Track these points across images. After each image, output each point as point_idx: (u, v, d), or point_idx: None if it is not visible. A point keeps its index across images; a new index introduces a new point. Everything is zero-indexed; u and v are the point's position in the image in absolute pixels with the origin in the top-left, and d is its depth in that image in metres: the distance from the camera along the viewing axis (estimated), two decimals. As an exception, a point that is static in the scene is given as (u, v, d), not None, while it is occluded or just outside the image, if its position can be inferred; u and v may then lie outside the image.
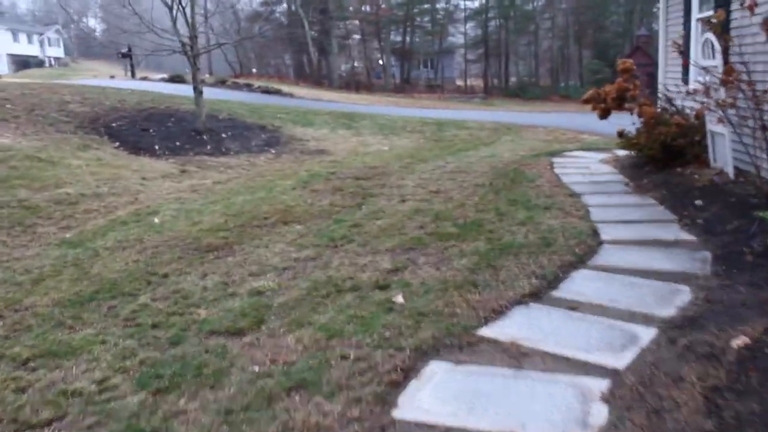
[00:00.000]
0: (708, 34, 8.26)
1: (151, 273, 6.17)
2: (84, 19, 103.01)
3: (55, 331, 4.82)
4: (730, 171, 8.28)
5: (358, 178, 10.65)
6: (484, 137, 16.98)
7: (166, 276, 6.06)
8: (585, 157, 12.62)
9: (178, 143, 14.14)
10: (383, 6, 56.68)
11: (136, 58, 41.76)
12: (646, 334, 4.11)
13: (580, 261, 5.63)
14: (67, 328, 4.87)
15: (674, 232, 6.56)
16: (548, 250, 5.88)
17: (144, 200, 10.07)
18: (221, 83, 33.75)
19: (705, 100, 7.70)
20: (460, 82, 64.23)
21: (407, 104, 34.73)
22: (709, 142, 8.90)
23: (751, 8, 6.84)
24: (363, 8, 58.10)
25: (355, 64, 63.38)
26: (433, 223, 7.27)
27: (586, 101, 9.46)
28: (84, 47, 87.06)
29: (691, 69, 10.47)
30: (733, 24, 8.80)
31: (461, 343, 4.08)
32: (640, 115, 8.74)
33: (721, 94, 7.68)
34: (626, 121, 9.93)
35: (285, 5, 60.16)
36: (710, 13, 9.64)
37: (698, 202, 7.59)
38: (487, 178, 9.95)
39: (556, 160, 12.06)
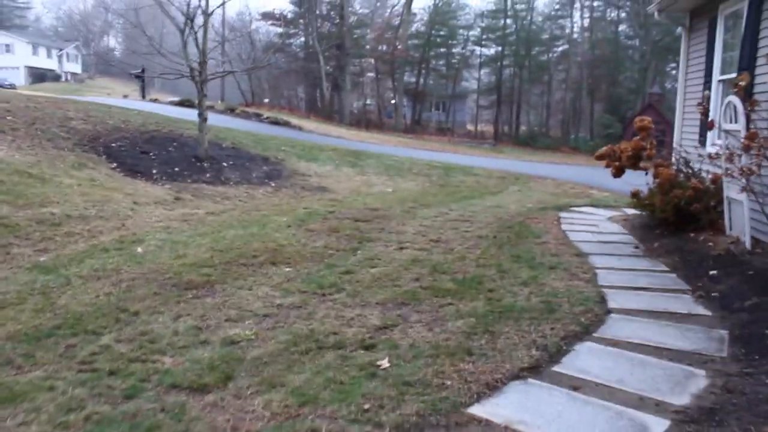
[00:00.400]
0: (731, 96, 7.88)
1: (122, 309, 5.71)
2: (105, 38, 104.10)
3: (1, 371, 4.34)
4: (747, 241, 7.83)
5: (357, 220, 10.22)
6: (491, 186, 16.59)
7: (136, 314, 5.59)
8: (594, 213, 12.20)
9: (177, 169, 13.77)
10: (399, 46, 56.85)
11: (150, 80, 41.74)
12: (659, 427, 3.63)
13: (586, 332, 5.15)
14: (15, 368, 4.40)
15: (688, 304, 6.10)
16: (551, 316, 5.42)
17: (131, 227, 9.64)
18: (230, 111, 33.56)
19: (728, 165, 7.29)
20: (470, 127, 64.23)
21: (416, 146, 34.48)
22: (725, 208, 8.48)
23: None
24: (379, 47, 58.30)
25: (368, 101, 63.49)
26: (430, 275, 6.82)
27: (600, 157, 9.06)
28: (103, 65, 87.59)
29: (709, 132, 10.10)
30: (757, 89, 8.43)
31: (448, 423, 3.61)
32: (655, 176, 8.33)
33: (743, 159, 7.28)
34: (638, 180, 9.53)
35: (302, 38, 60.53)
36: (733, 75, 9.29)
37: (713, 272, 7.13)
38: (491, 230, 9.51)
39: (563, 215, 11.64)
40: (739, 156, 7.00)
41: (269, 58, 19.53)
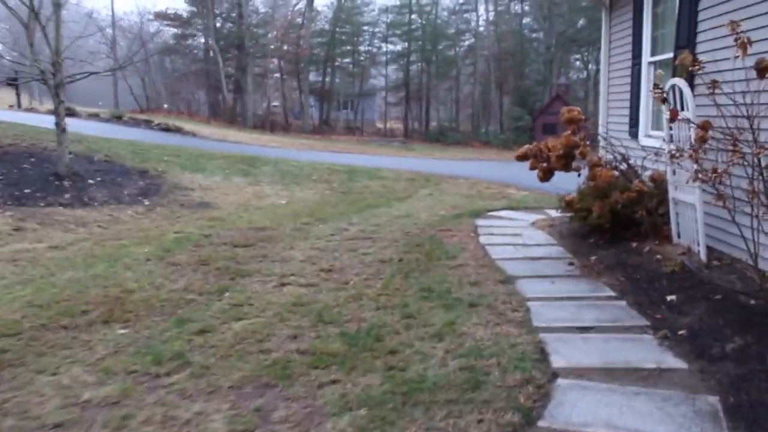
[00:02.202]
0: (676, 79, 6.49)
1: None
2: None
3: None
4: (702, 252, 6.46)
5: (236, 246, 8.41)
6: (399, 190, 14.97)
7: None
8: (514, 218, 10.75)
9: (27, 190, 11.54)
10: (303, 45, 54.73)
11: (29, 86, 38.30)
12: None
13: (528, 420, 3.54)
14: None
15: (653, 351, 4.60)
16: (477, 396, 3.79)
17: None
18: (117, 118, 30.75)
19: (690, 165, 5.87)
20: (380, 125, 62.80)
21: (321, 147, 32.52)
22: (671, 212, 7.10)
23: (743, 47, 5.00)
24: (283, 46, 56.02)
25: (274, 103, 61.15)
26: (312, 329, 5.09)
27: (523, 157, 7.54)
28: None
29: (642, 122, 8.76)
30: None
31: None
32: (592, 179, 6.85)
33: (713, 156, 5.89)
34: (561, 176, 8.06)
35: (202, 39, 57.47)
36: (668, 55, 7.96)
37: (671, 297, 5.69)
38: (397, 251, 7.88)
39: (480, 222, 10.13)
40: (700, 152, 5.55)
41: (132, 57, 17.22)
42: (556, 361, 4.36)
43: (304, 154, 25.50)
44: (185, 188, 13.55)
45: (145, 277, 6.85)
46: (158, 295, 6.17)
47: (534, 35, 61.04)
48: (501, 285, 6.26)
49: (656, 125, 8.59)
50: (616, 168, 7.31)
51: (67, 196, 11.73)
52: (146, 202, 12.00)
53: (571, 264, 7.23)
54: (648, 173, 7.65)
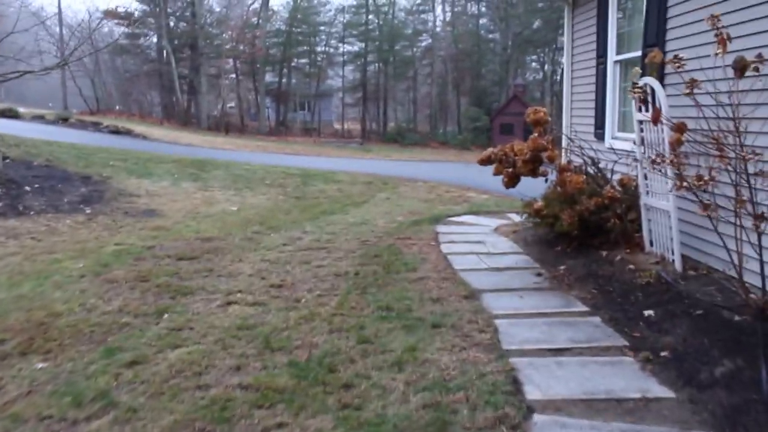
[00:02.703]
0: (648, 78, 6.10)
1: None
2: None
3: None
4: (677, 260, 6.09)
5: (181, 258, 7.79)
6: (355, 194, 14.41)
7: None
8: (476, 224, 10.32)
9: (-46, 200, 10.72)
10: (258, 45, 53.73)
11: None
12: None
13: (504, 474, 3.06)
14: None
15: (635, 377, 4.18)
16: (445, 442, 3.29)
17: None
18: (63, 120, 29.48)
19: (671, 171, 5.47)
20: (337, 126, 62.17)
21: (276, 150, 31.72)
22: (643, 219, 6.72)
23: (723, 43, 4.59)
24: (239, 47, 54.94)
25: (230, 105, 60.02)
26: (258, 358, 4.54)
27: (486, 161, 7.07)
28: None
29: (608, 123, 8.38)
30: (669, 68, 6.71)
31: None
32: (561, 184, 6.41)
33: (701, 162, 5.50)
34: (526, 181, 7.63)
35: (155, 39, 56.02)
36: (636, 54, 7.59)
37: (649, 313, 5.29)
38: (353, 263, 7.36)
39: (441, 229, 9.67)
40: (681, 156, 5.15)
41: (71, 54, 16.30)
42: (531, 393, 3.90)
43: (258, 156, 24.74)
44: (131, 195, 12.80)
45: (76, 298, 6.20)
46: (88, 319, 5.55)
47: (491, 36, 61.15)
48: (465, 301, 5.79)
49: (623, 127, 8.23)
50: (586, 172, 6.89)
51: (0, 204, 10.93)
52: (87, 211, 11.24)
53: (538, 275, 6.80)
54: (616, 176, 7.27)
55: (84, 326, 5.36)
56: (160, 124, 43.11)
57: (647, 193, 6.55)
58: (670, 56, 6.53)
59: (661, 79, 6.48)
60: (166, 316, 5.64)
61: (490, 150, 7.10)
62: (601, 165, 7.50)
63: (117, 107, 52.84)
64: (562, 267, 6.93)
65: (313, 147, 39.21)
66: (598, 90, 8.61)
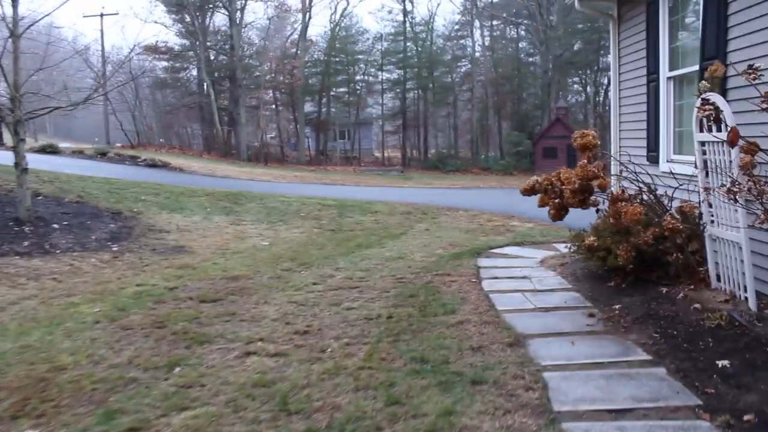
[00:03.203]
0: (711, 94, 5.42)
1: None
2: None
3: None
4: (751, 299, 5.36)
5: (203, 300, 7.30)
6: (393, 225, 13.82)
7: None
8: (520, 256, 9.65)
9: (-19, 238, 10.47)
10: (297, 75, 53.90)
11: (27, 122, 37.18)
12: None
13: None
14: None
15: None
16: None
17: None
18: (102, 155, 29.58)
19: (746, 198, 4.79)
20: (378, 154, 61.88)
21: (314, 179, 31.36)
22: (708, 251, 6.00)
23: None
24: (278, 77, 55.22)
25: (270, 135, 60.25)
26: (272, 425, 3.97)
27: (530, 191, 6.43)
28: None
29: (663, 145, 7.69)
30: (731, 82, 6.05)
31: None
32: (616, 217, 5.73)
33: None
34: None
35: (195, 72, 56.60)
36: (693, 68, 6.92)
37: (724, 363, 4.57)
38: (387, 303, 6.77)
39: (483, 263, 9.03)
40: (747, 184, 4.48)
41: (98, 88, 16.13)
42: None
43: (295, 187, 24.38)
44: (160, 230, 12.45)
45: (85, 348, 5.73)
46: (93, 374, 5.04)
47: (530, 59, 60.40)
48: (510, 349, 5.13)
49: (679, 149, 7.53)
50: (641, 201, 6.20)
51: (25, 243, 10.63)
52: (114, 248, 10.89)
53: (591, 315, 6.11)
54: (674, 203, 6.57)
55: (87, 382, 4.86)
56: (199, 157, 43.24)
57: (712, 222, 5.84)
58: (732, 70, 5.87)
59: (723, 94, 5.82)
60: (177, 369, 5.11)
61: (533, 179, 6.47)
62: (658, 191, 6.81)
63: (161, 140, 53.38)
64: (617, 306, 6.23)
65: (352, 176, 38.82)
66: (650, 109, 7.94)
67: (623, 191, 5.93)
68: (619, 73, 9.23)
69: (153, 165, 28.04)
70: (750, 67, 4.33)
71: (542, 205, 6.47)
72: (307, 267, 9.13)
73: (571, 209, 6.61)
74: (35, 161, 19.69)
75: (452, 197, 22.32)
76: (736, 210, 5.27)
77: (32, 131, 55.72)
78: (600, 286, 7.08)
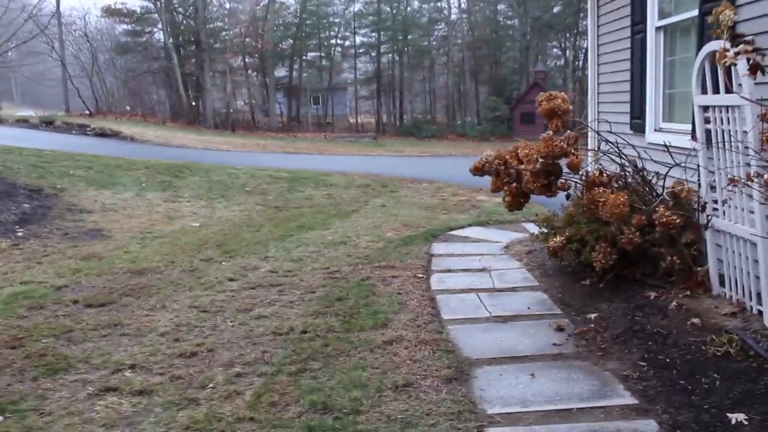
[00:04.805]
0: (712, 44, 4.07)
1: None
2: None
3: None
4: (766, 313, 4.08)
5: (89, 305, 5.92)
6: (346, 201, 12.38)
7: None
8: (483, 240, 8.34)
9: None
10: (266, 39, 51.74)
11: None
12: None
13: None
14: None
15: None
16: None
17: None
18: (47, 123, 27.34)
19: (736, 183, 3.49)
20: (352, 120, 60.08)
21: (278, 148, 29.59)
22: (709, 247, 4.69)
23: None
24: (246, 41, 53.03)
25: (243, 101, 58.18)
26: None
27: (479, 171, 5.08)
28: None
29: (650, 111, 6.33)
30: (743, 27, 4.66)
31: None
32: (592, 206, 4.39)
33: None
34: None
35: (160, 36, 54.09)
36: (691, 13, 5.54)
37: (738, 418, 3.28)
38: (305, 311, 5.42)
39: (437, 250, 7.71)
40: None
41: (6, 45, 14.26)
42: None
43: (253, 156, 22.77)
44: (81, 210, 10.94)
45: None
46: None
47: (509, 22, 58.49)
48: (446, 388, 3.83)
49: (670, 115, 6.19)
50: (625, 185, 4.85)
51: None
52: (19, 233, 9.41)
53: (560, 329, 4.81)
54: (666, 182, 5.23)
55: None
56: (162, 124, 41.21)
57: (715, 210, 4.53)
58: (744, 12, 4.53)
59: (733, 45, 4.46)
60: (0, 419, 3.74)
61: (486, 155, 5.08)
62: (645, 170, 5.46)
63: (127, 108, 51.22)
64: (592, 316, 4.94)
65: (320, 143, 37.16)
66: (635, 67, 6.58)
67: (601, 173, 4.59)
68: (598, 25, 7.84)
69: (102, 134, 26.09)
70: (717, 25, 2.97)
71: (495, 189, 5.12)
72: (231, 256, 7.73)
73: (533, 195, 5.26)
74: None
75: (421, 167, 20.90)
76: (750, 196, 3.96)
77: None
78: (573, 284, 5.79)
